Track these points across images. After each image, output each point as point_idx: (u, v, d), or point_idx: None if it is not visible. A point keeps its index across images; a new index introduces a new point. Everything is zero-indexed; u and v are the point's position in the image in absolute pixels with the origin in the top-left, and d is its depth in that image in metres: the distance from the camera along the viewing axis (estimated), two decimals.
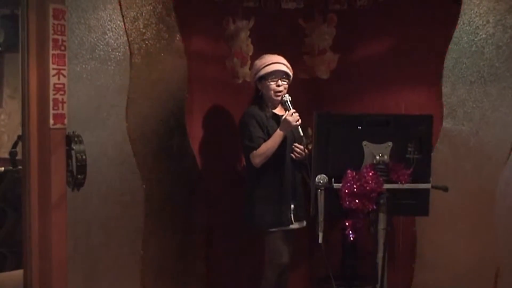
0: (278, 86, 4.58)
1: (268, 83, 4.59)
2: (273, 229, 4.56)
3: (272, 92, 4.60)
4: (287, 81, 4.64)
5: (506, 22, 4.46)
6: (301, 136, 4.45)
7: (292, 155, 4.62)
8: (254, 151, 4.51)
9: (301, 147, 4.59)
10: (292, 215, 4.59)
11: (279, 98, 4.59)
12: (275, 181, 4.58)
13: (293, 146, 4.62)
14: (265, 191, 4.59)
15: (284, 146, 4.55)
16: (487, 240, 4.55)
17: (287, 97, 4.55)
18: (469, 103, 4.63)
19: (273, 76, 4.58)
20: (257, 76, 4.65)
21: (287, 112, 4.48)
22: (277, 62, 4.62)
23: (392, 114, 4.23)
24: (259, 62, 4.68)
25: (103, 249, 4.17)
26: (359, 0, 5.32)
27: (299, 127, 4.43)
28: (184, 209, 4.84)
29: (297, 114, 4.43)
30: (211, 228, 5.09)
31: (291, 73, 4.68)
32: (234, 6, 5.26)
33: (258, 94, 4.72)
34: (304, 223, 4.69)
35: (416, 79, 5.03)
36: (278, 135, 4.48)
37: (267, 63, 4.61)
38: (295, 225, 4.62)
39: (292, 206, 4.60)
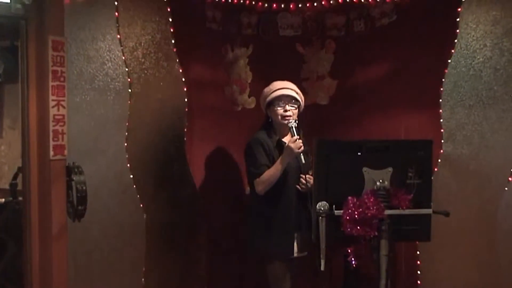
0: (286, 111, 4.54)
1: (275, 109, 4.56)
2: (276, 259, 4.51)
3: (280, 117, 4.55)
4: (295, 106, 4.60)
5: (503, 45, 4.47)
6: (304, 164, 4.43)
7: (298, 186, 4.56)
8: (258, 178, 4.48)
9: (307, 178, 4.49)
10: (295, 245, 4.54)
11: (286, 122, 4.53)
12: (278, 210, 4.51)
13: (300, 177, 4.57)
14: (268, 219, 4.53)
15: (288, 174, 4.51)
16: (490, 263, 4.54)
17: (293, 123, 4.50)
18: (468, 127, 4.63)
19: (280, 101, 4.55)
20: (266, 102, 4.63)
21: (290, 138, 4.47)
22: (284, 88, 4.58)
23: (391, 139, 4.23)
24: (267, 89, 4.65)
25: (105, 279, 4.16)
26: (356, 26, 5.36)
27: (301, 154, 4.39)
28: (185, 238, 4.84)
29: (300, 141, 4.37)
30: (213, 256, 5.08)
31: (299, 98, 4.61)
32: (232, 34, 5.30)
33: (268, 121, 4.69)
34: (306, 252, 4.61)
35: (415, 104, 5.03)
36: (280, 162, 4.43)
37: (274, 89, 4.58)
38: (298, 255, 4.56)
39: (296, 236, 4.54)
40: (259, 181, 4.46)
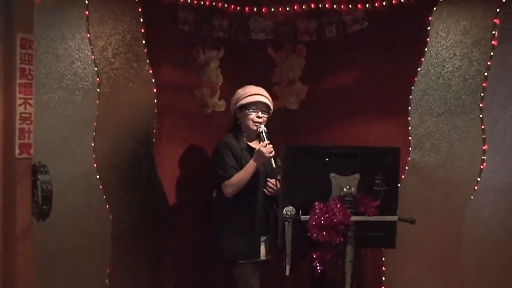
0: (258, 117, 4.57)
1: (248, 113, 4.58)
2: (242, 261, 4.51)
3: (251, 122, 4.58)
4: (267, 114, 4.64)
5: (472, 55, 4.50)
6: (274, 168, 4.42)
7: (265, 190, 4.57)
8: (227, 181, 4.47)
9: (273, 181, 4.55)
10: (262, 248, 4.54)
11: (256, 128, 4.57)
12: (245, 213, 4.52)
13: (267, 181, 4.58)
14: (234, 222, 4.54)
15: (257, 178, 4.52)
16: (455, 271, 4.56)
17: (263, 128, 4.53)
18: (436, 135, 4.66)
19: (254, 107, 4.58)
20: (238, 104, 4.64)
21: (261, 143, 4.47)
22: (260, 94, 4.62)
23: (359, 146, 4.25)
24: (241, 91, 4.67)
25: (69, 281, 4.10)
26: (328, 31, 5.37)
27: (272, 159, 4.40)
28: (152, 240, 4.80)
29: (271, 146, 4.41)
30: (180, 260, 5.05)
31: (271, 106, 4.67)
32: (204, 37, 5.29)
33: (237, 123, 4.70)
34: (273, 256, 4.63)
35: (384, 111, 5.06)
36: (251, 166, 4.45)
37: (250, 93, 4.61)
38: (266, 258, 4.57)
39: (263, 239, 4.55)
40: (228, 184, 4.46)
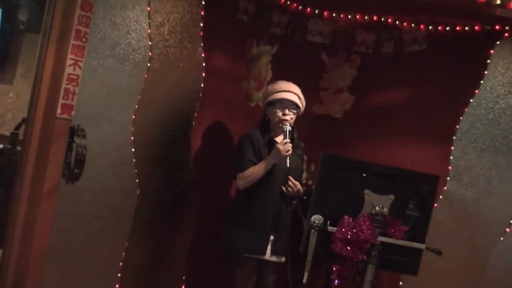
0: (284, 115, 4.52)
1: (275, 110, 4.55)
2: (244, 255, 4.47)
3: (277, 119, 4.54)
4: (295, 111, 4.58)
5: None
6: (287, 167, 4.40)
7: (283, 188, 4.51)
8: (240, 173, 4.46)
9: (295, 182, 4.49)
10: (269, 246, 4.49)
11: (282, 125, 4.52)
12: (256, 208, 4.49)
13: (288, 179, 4.52)
14: (244, 216, 4.51)
15: (273, 174, 4.48)
16: None
17: (288, 127, 4.49)
18: (476, 170, 4.60)
19: (281, 104, 4.53)
20: (266, 100, 4.62)
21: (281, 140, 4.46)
22: (288, 91, 4.56)
23: (399, 168, 4.16)
24: (271, 87, 4.64)
25: (85, 247, 4.11)
26: (385, 46, 5.32)
27: (287, 158, 4.38)
28: (172, 222, 4.79)
29: (290, 145, 4.38)
30: (196, 245, 5.02)
31: (301, 104, 4.60)
32: (261, 30, 5.27)
33: (265, 119, 4.68)
34: (283, 258, 4.57)
35: (427, 136, 4.99)
36: (267, 162, 4.43)
37: (278, 90, 4.56)
38: (271, 258, 4.51)
39: (272, 237, 4.49)
40: (241, 176, 4.47)
